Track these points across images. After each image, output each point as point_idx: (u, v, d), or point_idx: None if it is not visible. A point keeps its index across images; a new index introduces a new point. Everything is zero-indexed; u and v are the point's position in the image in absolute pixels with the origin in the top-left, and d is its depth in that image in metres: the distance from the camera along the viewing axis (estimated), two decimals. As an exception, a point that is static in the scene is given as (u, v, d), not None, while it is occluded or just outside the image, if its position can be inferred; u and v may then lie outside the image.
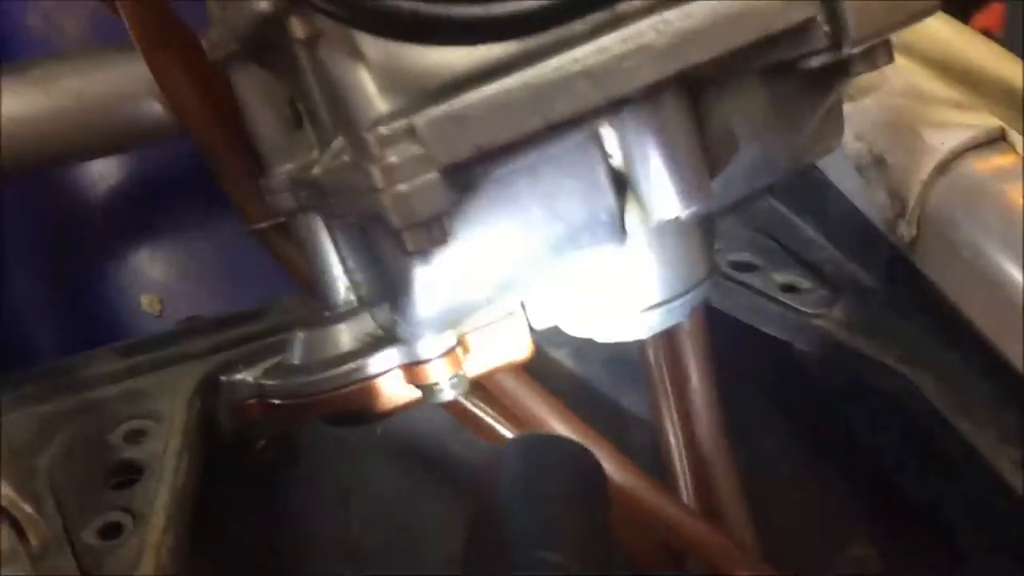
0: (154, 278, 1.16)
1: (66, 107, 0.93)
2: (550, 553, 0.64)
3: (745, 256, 1.01)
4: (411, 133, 0.60)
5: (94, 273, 1.15)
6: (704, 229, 0.79)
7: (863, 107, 0.93)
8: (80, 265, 1.16)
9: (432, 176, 0.61)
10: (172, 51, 0.83)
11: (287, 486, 0.99)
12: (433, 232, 0.62)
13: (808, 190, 1.01)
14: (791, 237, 1.03)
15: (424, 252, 0.63)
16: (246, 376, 0.80)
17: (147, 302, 1.14)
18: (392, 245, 0.67)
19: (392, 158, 0.60)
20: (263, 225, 0.88)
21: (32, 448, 0.84)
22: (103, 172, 1.16)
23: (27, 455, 0.83)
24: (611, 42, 0.63)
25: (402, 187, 0.60)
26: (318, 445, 0.99)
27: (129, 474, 0.82)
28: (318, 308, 0.80)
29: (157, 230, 1.18)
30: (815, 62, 0.69)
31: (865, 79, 0.93)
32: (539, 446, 0.79)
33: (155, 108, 0.93)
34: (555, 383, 0.95)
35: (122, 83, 0.94)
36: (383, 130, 0.60)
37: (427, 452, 1.03)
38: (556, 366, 1.08)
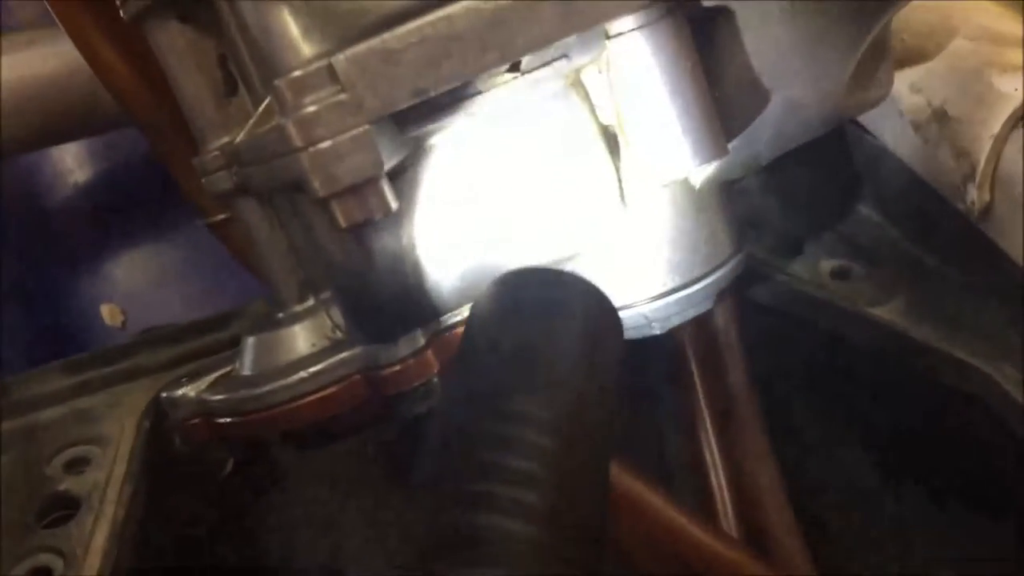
0: (116, 285, 1.05)
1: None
2: (524, 399, 0.45)
3: (786, 239, 0.87)
4: (332, 76, 0.48)
5: (48, 281, 1.05)
6: (724, 197, 0.66)
7: (919, 51, 0.78)
8: (32, 272, 1.05)
9: (362, 129, 0.48)
10: (91, 13, 0.72)
11: (267, 510, 0.87)
12: (368, 200, 0.50)
13: (858, 159, 0.87)
14: (839, 215, 0.88)
15: (359, 226, 0.51)
16: (188, 391, 0.69)
17: (108, 312, 1.03)
18: (324, 220, 0.55)
19: (310, 107, 0.48)
20: (219, 217, 0.76)
21: (-41, 480, 0.73)
22: (57, 167, 1.06)
23: (-47, 489, 0.72)
24: (582, -42, 0.50)
25: (324, 144, 0.48)
26: (301, 465, 0.87)
27: (65, 509, 0.71)
28: (272, 309, 0.68)
29: (118, 231, 1.07)
30: (848, -19, 0.55)
31: (921, 19, 0.80)
32: (526, 278, 0.54)
33: (96, 88, 0.82)
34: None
35: (57, 61, 0.83)
36: (297, 73, 0.48)
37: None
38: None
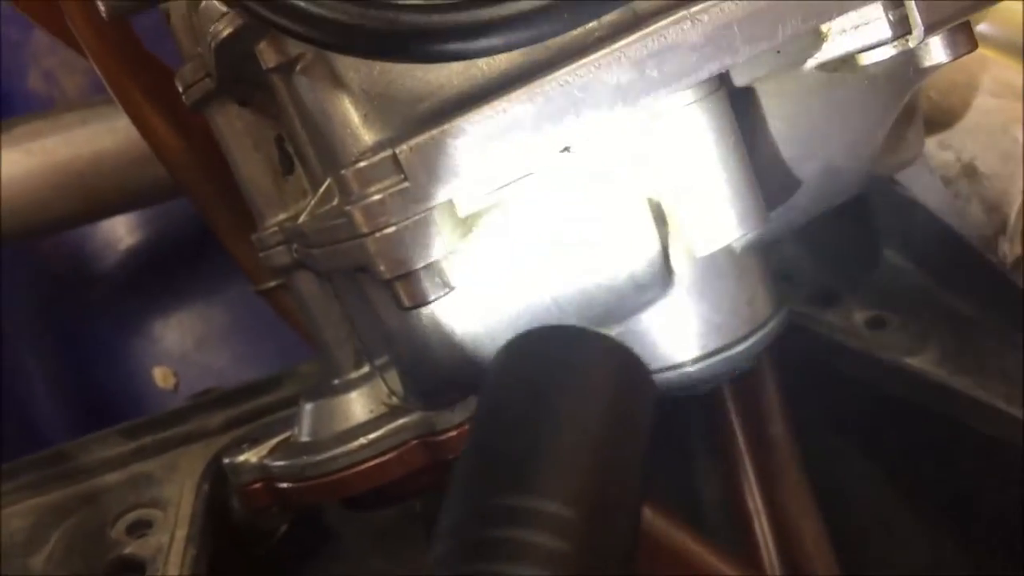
0: (168, 348, 1.08)
1: (53, 166, 0.86)
2: (530, 499, 0.42)
3: (821, 289, 0.89)
4: (396, 165, 0.51)
5: (103, 347, 1.08)
6: (763, 259, 0.68)
7: (947, 107, 0.81)
8: (87, 338, 1.08)
9: (424, 215, 0.51)
10: (150, 95, 0.75)
11: (318, 570, 0.89)
12: (430, 281, 0.52)
13: (890, 211, 0.89)
14: (874, 265, 0.90)
15: (423, 305, 0.53)
16: (250, 456, 0.71)
17: (160, 375, 1.06)
18: (387, 299, 0.58)
19: (375, 196, 0.51)
20: (270, 284, 0.79)
21: (28, 547, 0.76)
22: (108, 237, 1.09)
23: (22, 555, 0.75)
24: (630, 44, 0.53)
25: (389, 230, 0.51)
26: (349, 526, 0.89)
27: (130, 572, 0.73)
28: (327, 376, 0.71)
29: (169, 297, 1.10)
30: (880, 55, 0.58)
31: (946, 77, 0.82)
32: (545, 338, 0.51)
33: (150, 163, 0.85)
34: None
35: (112, 138, 0.87)
36: (363, 164, 0.51)
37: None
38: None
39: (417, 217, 0.51)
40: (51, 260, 1.10)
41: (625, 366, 0.51)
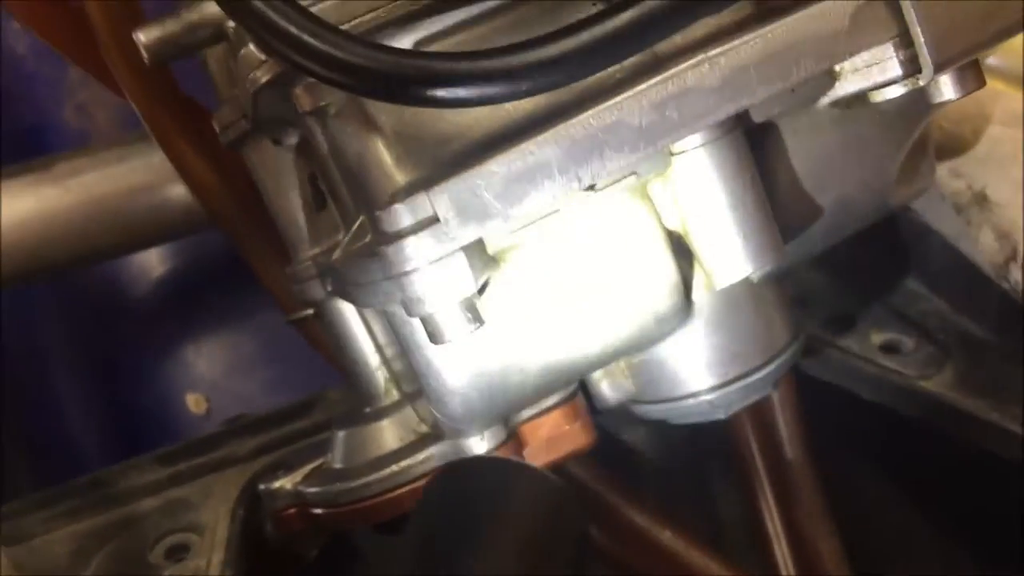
0: (200, 375, 1.11)
1: (91, 201, 0.89)
2: None
3: (837, 314, 0.91)
4: (427, 206, 0.53)
5: (136, 373, 1.11)
6: (779, 288, 0.70)
7: (958, 137, 0.83)
8: (121, 365, 1.11)
9: (455, 253, 0.53)
10: (186, 134, 0.78)
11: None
12: (461, 317, 0.55)
13: (904, 236, 0.90)
14: (888, 290, 0.92)
15: (454, 341, 0.55)
16: (285, 483, 0.73)
17: (193, 401, 1.09)
18: (421, 333, 0.60)
19: (408, 236, 0.53)
20: (302, 314, 0.81)
21: (69, 572, 0.78)
22: (142, 266, 1.12)
23: (63, 580, 0.77)
24: (651, 87, 0.55)
25: (421, 269, 0.53)
26: (378, 547, 0.91)
27: (171, 595, 0.76)
28: (358, 404, 0.73)
29: (200, 324, 1.13)
30: (892, 93, 0.60)
31: (957, 107, 0.84)
32: (473, 468, 0.57)
33: (183, 196, 0.88)
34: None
35: (148, 173, 0.90)
36: (398, 206, 0.53)
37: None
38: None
39: (449, 256, 0.53)
40: (85, 289, 1.13)
41: (553, 501, 0.55)
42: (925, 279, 0.91)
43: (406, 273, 0.53)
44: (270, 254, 0.81)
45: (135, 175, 0.90)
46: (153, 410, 1.10)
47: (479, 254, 0.55)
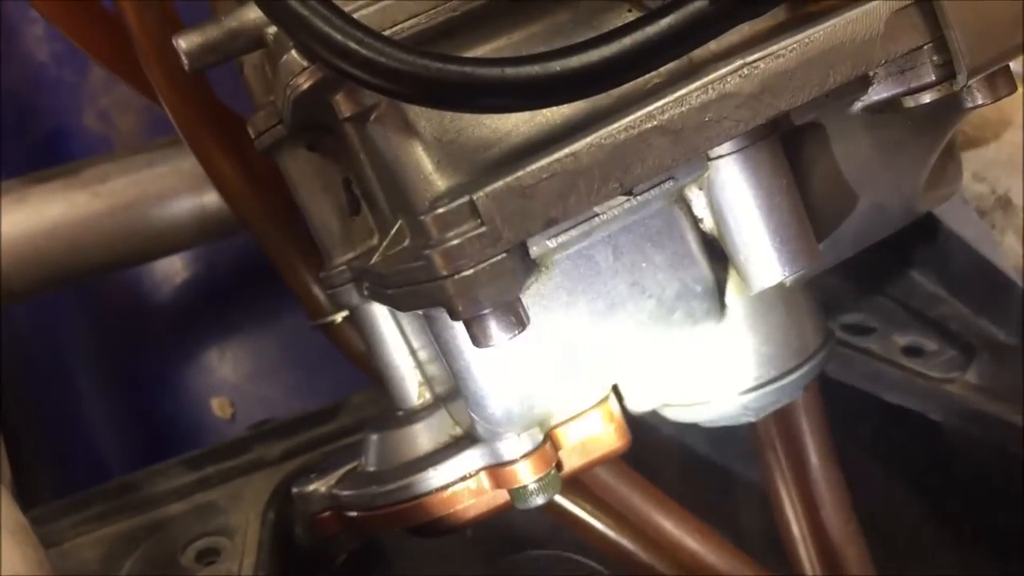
0: (224, 379, 1.11)
1: (120, 207, 0.89)
2: None
3: (859, 317, 0.92)
4: (473, 211, 0.54)
5: (161, 378, 1.11)
6: (810, 291, 0.71)
7: (979, 141, 0.83)
8: (145, 370, 1.12)
9: (500, 257, 0.54)
10: (219, 140, 0.78)
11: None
12: (506, 320, 0.55)
13: (925, 240, 0.91)
14: (909, 294, 0.93)
15: (498, 343, 0.56)
16: (319, 486, 0.74)
17: (218, 405, 1.09)
18: (462, 336, 0.61)
19: (453, 240, 0.54)
20: (329, 319, 0.82)
21: (100, 575, 0.78)
22: (165, 272, 1.13)
23: (95, 583, 0.78)
24: (690, 92, 0.56)
25: (467, 272, 0.54)
26: (404, 548, 0.91)
27: (202, 598, 0.76)
28: (390, 407, 0.73)
29: (224, 329, 1.13)
30: (925, 98, 0.60)
31: (977, 114, 0.84)
32: None
33: (212, 202, 0.89)
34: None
35: (176, 179, 0.90)
36: (441, 210, 0.54)
37: (523, 552, 0.95)
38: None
39: (494, 260, 0.54)
40: (108, 295, 1.13)
41: None
42: (946, 283, 0.92)
43: (451, 276, 0.54)
44: (298, 259, 0.82)
45: (164, 180, 0.90)
46: (178, 415, 1.11)
47: (522, 258, 0.56)
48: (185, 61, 0.63)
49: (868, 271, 0.94)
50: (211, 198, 0.90)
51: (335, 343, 0.85)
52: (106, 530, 0.82)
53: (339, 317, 0.83)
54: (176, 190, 0.91)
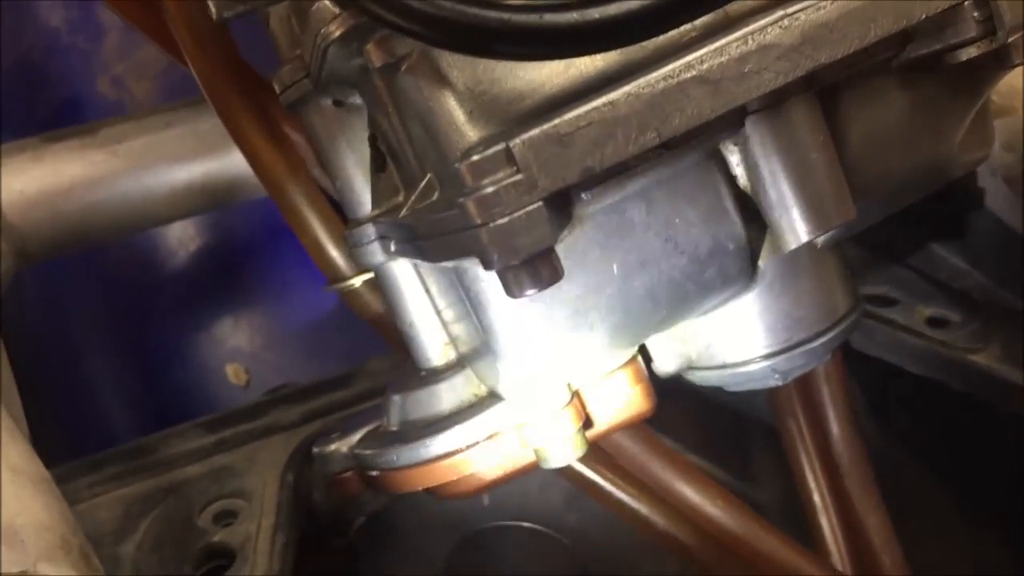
0: (239, 346, 1.11)
1: (139, 168, 0.88)
2: None
3: (882, 289, 0.91)
4: (509, 158, 0.53)
5: (175, 344, 1.11)
6: (840, 255, 0.70)
7: (1008, 109, 0.83)
8: (159, 336, 1.11)
9: (536, 205, 0.53)
10: (244, 100, 0.77)
11: (382, 564, 0.90)
12: (540, 271, 0.54)
13: (948, 210, 0.90)
14: (932, 265, 0.92)
15: (532, 293, 0.55)
16: (340, 446, 0.73)
17: (232, 372, 1.09)
18: (493, 289, 0.60)
19: (489, 188, 0.53)
20: (347, 282, 0.81)
21: (117, 536, 0.78)
22: (180, 237, 1.12)
23: (111, 543, 0.77)
24: (730, 43, 0.55)
25: (502, 220, 0.53)
26: (416, 518, 0.91)
27: (220, 559, 0.75)
28: (413, 367, 0.72)
29: (239, 296, 1.12)
30: (965, 55, 0.60)
31: (1005, 82, 0.84)
32: None
33: (233, 165, 0.88)
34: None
35: (196, 140, 0.89)
36: (476, 158, 0.53)
37: (540, 524, 0.94)
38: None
39: (530, 208, 0.53)
40: (122, 262, 1.12)
41: None
42: (969, 254, 0.91)
43: (485, 225, 0.53)
44: (317, 222, 0.81)
45: (182, 141, 0.89)
46: (192, 382, 1.10)
47: (557, 208, 0.55)
48: (213, 9, 0.62)
49: (890, 242, 0.94)
50: (229, 161, 0.89)
51: (352, 307, 0.84)
52: (122, 491, 0.81)
53: (357, 281, 0.82)
54: (195, 152, 0.90)
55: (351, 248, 0.71)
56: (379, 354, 0.92)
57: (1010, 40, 0.58)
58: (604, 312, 0.62)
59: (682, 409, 0.95)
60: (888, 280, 0.92)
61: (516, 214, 0.53)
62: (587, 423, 0.68)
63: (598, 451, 0.79)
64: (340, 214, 0.79)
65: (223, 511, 0.79)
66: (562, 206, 0.57)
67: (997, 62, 0.60)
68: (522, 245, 0.53)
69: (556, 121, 0.53)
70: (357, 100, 0.68)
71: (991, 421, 0.90)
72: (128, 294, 1.14)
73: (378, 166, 0.70)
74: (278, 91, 0.69)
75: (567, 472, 0.82)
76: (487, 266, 0.54)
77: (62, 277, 1.09)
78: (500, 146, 0.53)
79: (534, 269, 0.54)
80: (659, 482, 0.81)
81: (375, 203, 0.70)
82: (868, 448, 0.88)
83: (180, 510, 0.79)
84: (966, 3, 0.58)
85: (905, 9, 0.57)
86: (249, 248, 1.12)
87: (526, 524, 0.94)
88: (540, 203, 0.53)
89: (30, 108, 1.11)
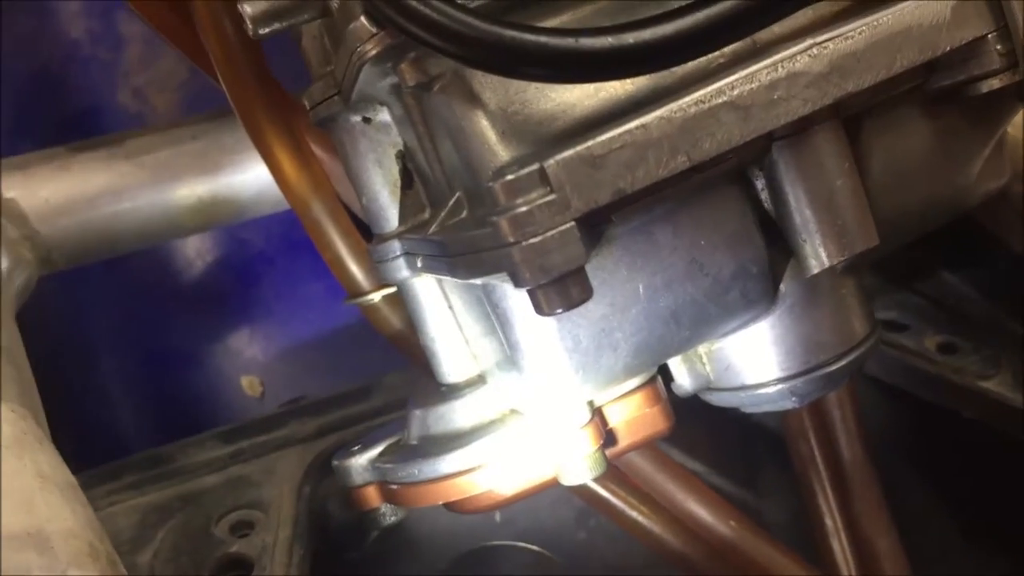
0: (254, 358, 1.11)
1: (165, 179, 0.89)
2: None
3: (893, 315, 0.92)
4: (543, 178, 0.54)
5: (190, 354, 1.11)
6: (859, 279, 0.71)
7: (1021, 144, 0.84)
8: (175, 346, 1.11)
9: (568, 225, 0.54)
10: (271, 116, 0.78)
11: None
12: (570, 290, 0.55)
13: (959, 239, 0.92)
14: (943, 293, 0.93)
15: (562, 312, 0.56)
16: (360, 459, 0.73)
17: (247, 384, 1.09)
18: (521, 306, 0.61)
19: (522, 207, 0.54)
20: (366, 297, 0.81)
21: (134, 544, 0.78)
22: (199, 248, 1.13)
23: (129, 552, 0.77)
24: (760, 70, 0.56)
25: (534, 240, 0.54)
26: (429, 533, 0.91)
27: (237, 570, 0.76)
28: (433, 383, 0.73)
29: (255, 308, 1.13)
30: (986, 87, 0.61)
31: (1021, 115, 0.85)
32: None
33: (257, 178, 0.89)
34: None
35: (222, 153, 0.90)
36: (511, 177, 0.54)
37: (552, 541, 0.95)
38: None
39: (562, 228, 0.54)
40: (140, 272, 1.13)
41: None
42: (979, 283, 0.93)
43: (518, 243, 0.54)
44: (340, 237, 0.82)
45: (208, 154, 0.90)
46: (206, 393, 1.11)
47: (588, 228, 0.56)
48: (249, 26, 0.63)
49: (901, 269, 0.95)
50: (252, 175, 0.90)
51: (372, 322, 0.84)
52: (140, 499, 0.82)
53: (377, 296, 0.83)
54: (219, 165, 0.91)
55: (376, 262, 0.71)
56: (394, 369, 0.92)
57: (1031, 74, 0.59)
58: (628, 332, 0.63)
59: (691, 423, 0.96)
60: (898, 305, 0.93)
61: (549, 233, 0.54)
62: (606, 441, 0.69)
63: (612, 469, 0.80)
64: (361, 231, 0.80)
65: (240, 521, 0.80)
66: (592, 226, 0.58)
67: (1018, 94, 0.61)
68: (553, 264, 0.54)
69: (590, 143, 0.54)
70: (386, 118, 0.69)
71: (1000, 448, 0.91)
72: (145, 303, 1.15)
73: (406, 183, 0.71)
74: (308, 107, 0.70)
75: (581, 490, 0.83)
76: (518, 284, 0.55)
77: (81, 284, 1.10)
78: (534, 166, 0.54)
79: (564, 288, 0.55)
80: (671, 501, 0.82)
81: (401, 220, 0.71)
82: (888, 471, 0.89)
83: (197, 520, 0.80)
84: (989, 36, 0.59)
85: (930, 41, 0.59)
86: (266, 261, 1.12)
87: (521, 544, 0.94)
88: (572, 223, 0.54)
89: (51, 118, 1.12)
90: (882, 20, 0.58)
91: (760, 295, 0.65)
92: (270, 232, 1.06)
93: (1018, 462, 0.90)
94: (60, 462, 0.63)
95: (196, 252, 1.13)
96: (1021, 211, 0.84)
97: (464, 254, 0.59)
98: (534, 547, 0.90)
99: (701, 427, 0.97)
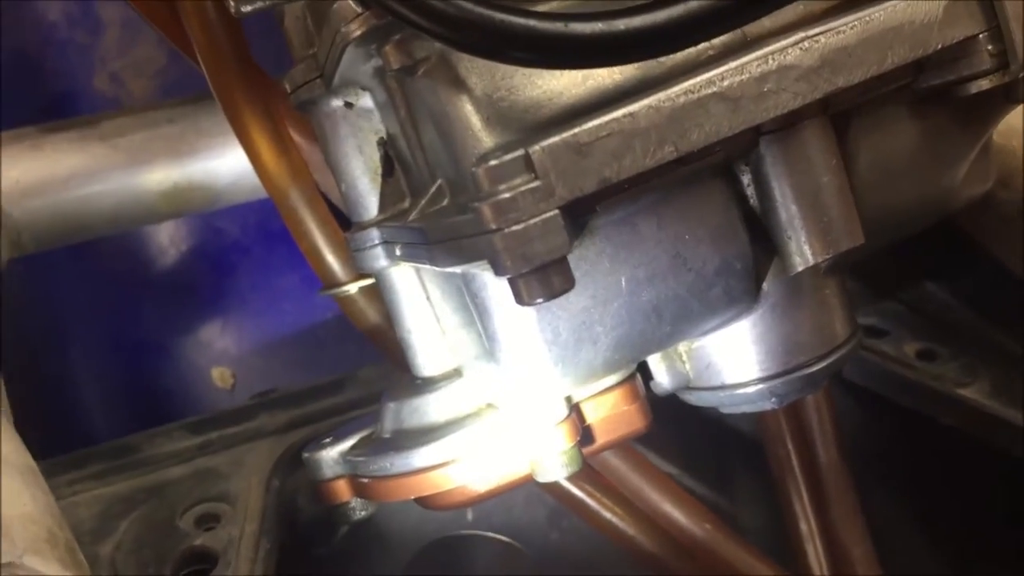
0: (225, 349, 1.09)
1: (139, 161, 0.87)
2: None
3: (872, 320, 0.92)
4: (527, 164, 0.53)
5: (160, 343, 1.09)
6: (841, 281, 0.70)
7: (1008, 152, 0.84)
8: (145, 335, 1.09)
9: (552, 213, 0.53)
10: (251, 100, 0.77)
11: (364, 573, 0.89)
12: (551, 279, 0.54)
13: (939, 246, 0.91)
14: (922, 299, 0.93)
15: (540, 303, 0.55)
16: (331, 452, 0.72)
17: (218, 375, 1.07)
18: (500, 296, 0.60)
19: (505, 193, 0.52)
20: (342, 288, 0.80)
21: (95, 535, 0.76)
22: (172, 236, 1.11)
23: (90, 543, 0.75)
24: (750, 61, 0.56)
25: (517, 227, 0.53)
26: (399, 529, 0.90)
27: (201, 563, 0.74)
28: (408, 375, 0.72)
29: (227, 299, 1.11)
30: (976, 87, 0.60)
31: (1006, 121, 0.85)
32: None
33: (235, 164, 0.87)
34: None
35: (199, 137, 0.88)
36: (494, 162, 0.53)
37: (524, 539, 0.93)
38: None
39: (545, 216, 0.53)
40: (111, 259, 1.11)
41: None
42: (960, 290, 0.92)
43: (500, 230, 0.52)
44: (316, 226, 0.80)
45: (185, 138, 0.88)
46: (176, 384, 1.09)
47: (572, 217, 0.55)
48: (232, 3, 0.62)
49: (882, 275, 0.95)
50: (229, 161, 0.88)
51: (347, 313, 0.83)
52: (103, 490, 0.80)
53: (353, 288, 0.81)
54: (195, 149, 0.89)
55: (354, 251, 0.70)
56: (370, 363, 0.91)
57: (1022, 75, 0.59)
58: (609, 325, 0.62)
59: (664, 425, 0.95)
60: (878, 311, 0.92)
61: (532, 221, 0.53)
62: (582, 439, 0.68)
63: (586, 468, 0.79)
64: (339, 220, 0.79)
65: (206, 514, 0.78)
66: (576, 216, 0.56)
67: (1007, 96, 0.61)
68: (536, 252, 0.53)
69: (576, 130, 0.53)
70: (368, 103, 0.68)
71: (978, 456, 0.91)
72: (116, 290, 1.13)
73: (387, 170, 0.69)
74: (288, 90, 0.68)
75: (553, 488, 0.82)
76: (499, 272, 0.54)
77: (51, 269, 1.08)
78: (519, 152, 0.53)
79: (546, 277, 0.54)
80: (646, 502, 0.81)
81: (380, 208, 0.69)
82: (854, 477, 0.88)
83: (162, 511, 0.78)
84: (981, 36, 0.59)
85: (922, 38, 0.58)
86: (240, 250, 1.10)
87: (489, 534, 0.93)
88: (556, 211, 0.53)
89: (26, 102, 1.10)
90: (874, 16, 0.57)
91: (743, 292, 0.64)
92: (246, 221, 1.04)
93: (994, 469, 0.90)
94: (21, 446, 0.61)
95: (170, 239, 1.11)
96: (1004, 218, 0.84)
97: (444, 241, 0.58)
98: (503, 537, 0.89)
99: (674, 430, 0.96)
